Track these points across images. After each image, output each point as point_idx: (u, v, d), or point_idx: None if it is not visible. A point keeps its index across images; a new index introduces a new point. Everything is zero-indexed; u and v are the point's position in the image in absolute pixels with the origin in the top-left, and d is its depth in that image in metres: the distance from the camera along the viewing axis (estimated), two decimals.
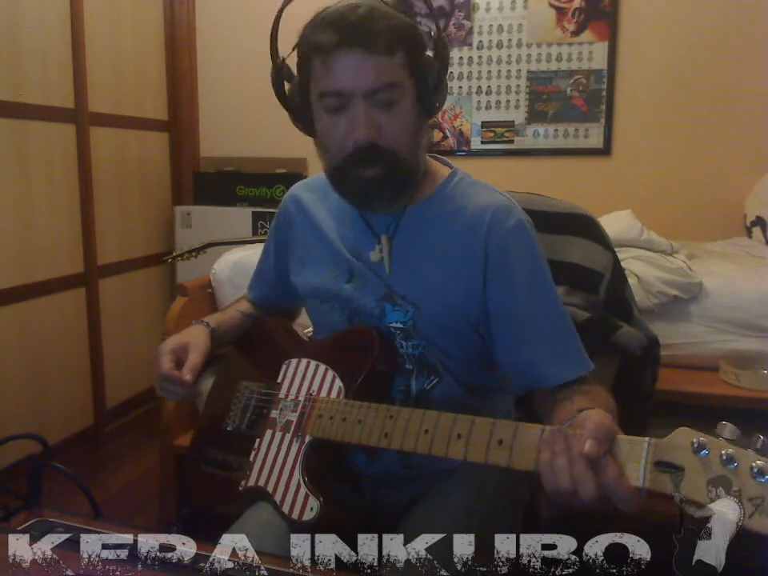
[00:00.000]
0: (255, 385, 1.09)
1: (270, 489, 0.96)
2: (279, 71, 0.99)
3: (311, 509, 0.90)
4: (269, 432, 1.00)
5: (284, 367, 1.05)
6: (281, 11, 0.96)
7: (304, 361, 1.04)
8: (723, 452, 0.61)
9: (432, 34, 0.96)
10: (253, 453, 1.00)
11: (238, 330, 1.19)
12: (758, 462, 0.60)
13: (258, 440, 1.01)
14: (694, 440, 0.63)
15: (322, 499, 0.90)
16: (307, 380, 1.01)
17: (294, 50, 0.97)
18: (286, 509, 0.92)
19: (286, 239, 1.16)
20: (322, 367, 1.01)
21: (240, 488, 1.00)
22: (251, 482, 0.99)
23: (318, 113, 0.96)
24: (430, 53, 0.96)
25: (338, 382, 0.98)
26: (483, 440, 0.76)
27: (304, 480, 0.93)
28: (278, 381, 1.04)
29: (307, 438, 0.95)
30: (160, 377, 1.02)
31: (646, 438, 0.66)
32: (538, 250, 1.00)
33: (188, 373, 1.01)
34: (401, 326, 1.01)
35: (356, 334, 1.03)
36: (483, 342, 1.02)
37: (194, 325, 1.12)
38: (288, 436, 0.97)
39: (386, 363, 1.00)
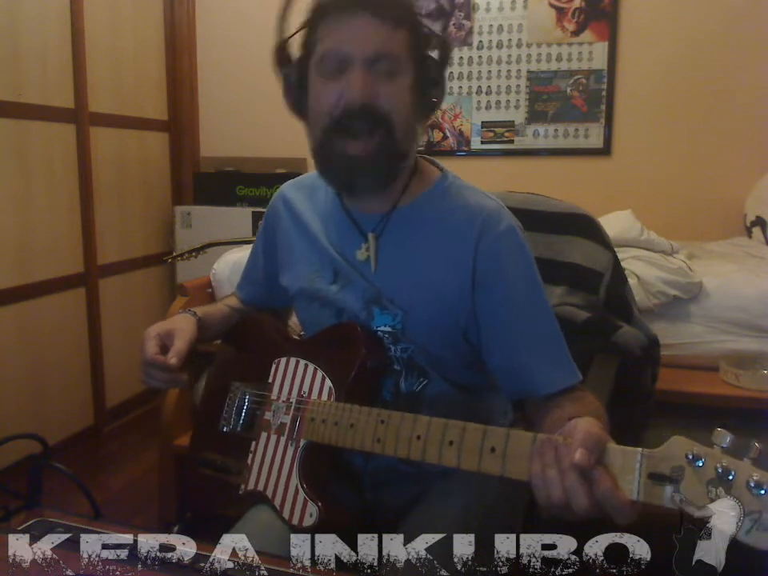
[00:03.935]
0: (247, 385, 1.07)
1: (269, 493, 0.95)
2: (283, 46, 0.97)
3: (310, 515, 0.89)
4: (264, 435, 0.99)
5: (274, 366, 1.03)
6: None
7: (293, 360, 1.01)
8: (718, 464, 0.60)
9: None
10: (250, 455, 1.00)
11: (225, 322, 1.18)
12: (755, 475, 0.58)
13: (254, 442, 1.00)
14: (689, 451, 0.62)
15: (320, 504, 0.89)
16: (297, 380, 0.99)
17: (305, 24, 0.95)
18: (285, 514, 0.92)
19: (275, 238, 1.14)
20: (311, 367, 0.99)
21: (240, 491, 0.99)
22: (250, 486, 0.98)
23: (313, 82, 0.94)
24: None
25: (328, 383, 0.96)
26: (475, 447, 0.75)
27: (302, 486, 0.92)
28: (269, 381, 1.03)
29: (302, 442, 0.94)
30: (144, 362, 1.00)
31: (639, 449, 0.65)
32: (529, 255, 0.99)
33: (173, 357, 0.99)
34: (389, 329, 0.99)
35: (341, 331, 1.01)
36: (472, 347, 1.00)
37: (181, 314, 1.11)
38: (283, 439, 0.96)
39: (374, 360, 0.98)
